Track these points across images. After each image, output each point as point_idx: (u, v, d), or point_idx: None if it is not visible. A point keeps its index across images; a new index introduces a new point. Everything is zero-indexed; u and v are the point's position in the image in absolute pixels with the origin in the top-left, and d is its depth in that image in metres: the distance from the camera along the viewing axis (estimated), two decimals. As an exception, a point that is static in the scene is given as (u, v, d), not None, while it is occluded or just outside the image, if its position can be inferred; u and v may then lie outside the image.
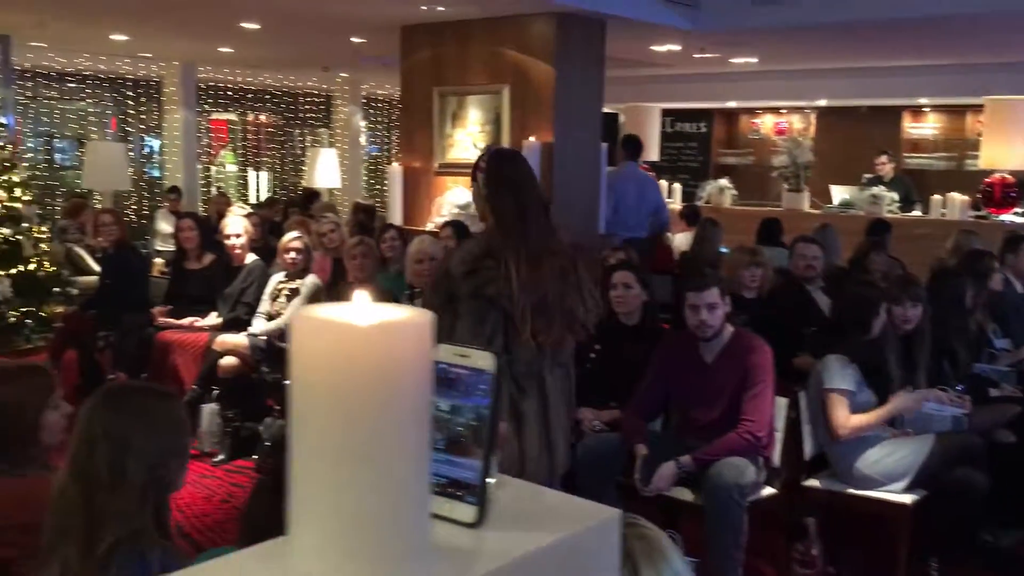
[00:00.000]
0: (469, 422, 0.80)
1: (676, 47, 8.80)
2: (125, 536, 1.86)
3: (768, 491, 3.86)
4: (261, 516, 1.56)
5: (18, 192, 7.78)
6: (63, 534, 1.89)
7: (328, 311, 0.68)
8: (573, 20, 6.84)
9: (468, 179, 7.29)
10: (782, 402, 3.98)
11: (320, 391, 0.66)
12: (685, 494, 3.72)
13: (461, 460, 0.80)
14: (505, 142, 7.04)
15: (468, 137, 7.31)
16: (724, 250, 7.10)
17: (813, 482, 4.02)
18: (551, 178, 6.86)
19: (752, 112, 14.25)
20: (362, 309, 0.68)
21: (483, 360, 0.80)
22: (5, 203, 7.65)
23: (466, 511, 0.79)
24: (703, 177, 12.74)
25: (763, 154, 13.89)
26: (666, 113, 13.47)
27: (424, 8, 6.81)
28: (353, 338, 0.66)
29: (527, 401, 2.96)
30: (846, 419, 3.85)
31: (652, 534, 1.24)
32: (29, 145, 11.91)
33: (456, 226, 6.08)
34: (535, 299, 2.86)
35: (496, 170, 3.03)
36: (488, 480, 0.79)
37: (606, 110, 7.61)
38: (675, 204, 10.84)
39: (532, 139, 6.82)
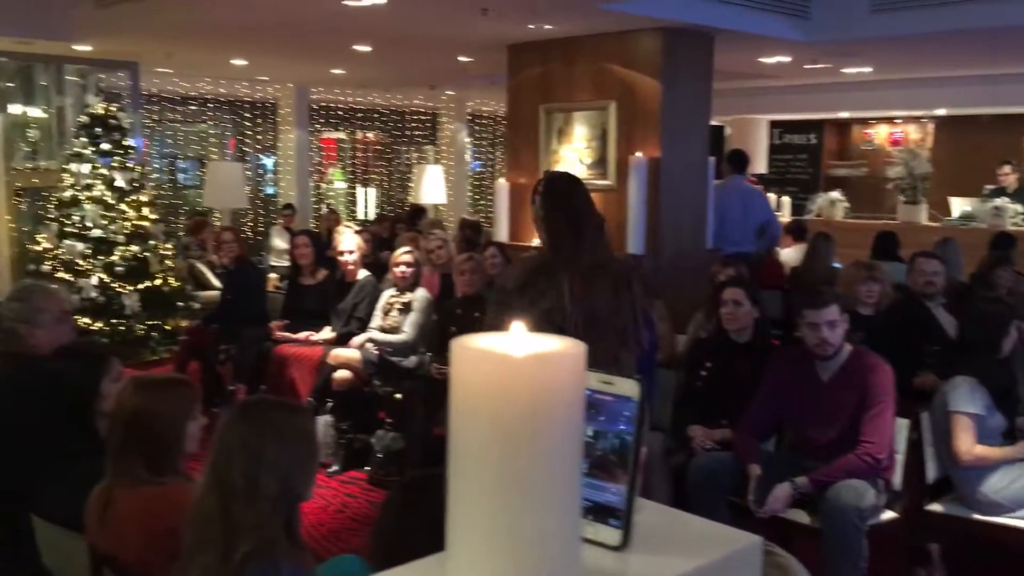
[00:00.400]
0: (613, 447, 0.82)
1: (786, 58, 8.65)
2: (259, 545, 1.94)
3: (889, 515, 3.74)
4: (392, 532, 1.62)
5: (145, 211, 8.22)
6: (202, 542, 1.99)
7: (485, 341, 0.71)
8: (680, 34, 6.80)
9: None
10: (903, 423, 3.85)
11: (478, 418, 0.70)
12: (801, 516, 3.64)
13: (605, 484, 0.82)
14: (611, 158, 7.05)
15: (574, 153, 7.34)
16: (837, 265, 6.92)
17: (937, 507, 3.88)
18: (657, 193, 6.83)
19: (865, 122, 13.85)
20: (518, 339, 0.71)
21: (627, 387, 0.82)
22: (134, 222, 8.08)
23: (611, 534, 0.81)
24: (813, 190, 12.44)
25: (877, 165, 13.49)
26: (774, 125, 13.24)
27: (531, 27, 6.89)
28: (509, 368, 0.69)
29: None
30: (971, 446, 3.70)
31: (788, 563, 1.23)
32: (155, 166, 12.52)
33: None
34: (586, 314, 2.94)
35: (551, 193, 3.14)
36: (633, 504, 0.81)
37: (712, 123, 7.53)
38: (784, 217, 10.63)
39: (639, 154, 6.80)
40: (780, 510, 3.57)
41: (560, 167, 7.44)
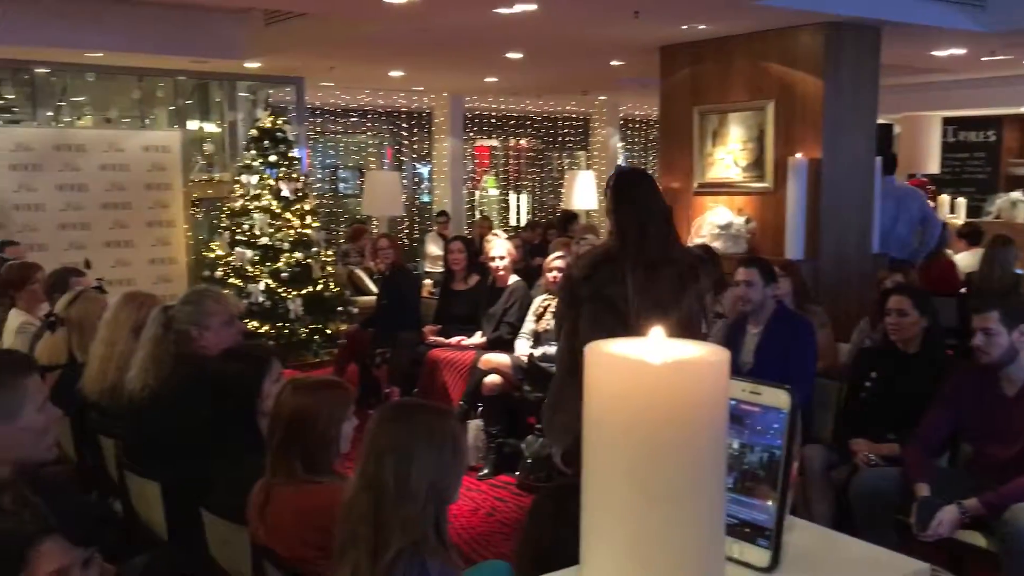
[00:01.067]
0: (761, 461, 0.76)
1: (961, 51, 8.13)
2: (409, 544, 1.97)
3: (1078, 543, 3.41)
4: (540, 540, 1.60)
5: (308, 220, 8.59)
6: (354, 540, 2.03)
7: (621, 347, 0.68)
8: (845, 29, 6.50)
9: (729, 198, 7.17)
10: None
11: (614, 427, 0.66)
12: (976, 538, 3.39)
13: (752, 501, 0.76)
14: (769, 159, 6.82)
15: (729, 155, 7.15)
16: (1021, 272, 6.44)
17: None
18: (818, 196, 6.55)
19: (1050, 116, 12.84)
20: (656, 345, 0.67)
21: (776, 397, 0.77)
22: (298, 230, 8.46)
23: (759, 555, 0.75)
24: (991, 190, 11.64)
25: (1064, 163, 12.47)
26: (947, 122, 12.45)
27: (684, 28, 6.77)
28: (647, 375, 0.65)
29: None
30: None
31: None
32: (317, 176, 13.08)
33: (701, 249, 5.95)
34: (650, 302, 3.00)
35: (619, 188, 3.23)
36: (783, 524, 0.75)
37: (879, 121, 7.15)
38: (958, 220, 9.98)
39: (798, 155, 6.55)
40: (945, 534, 3.33)
41: (714, 169, 7.27)
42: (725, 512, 0.69)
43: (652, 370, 0.65)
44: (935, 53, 8.29)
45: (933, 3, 6.58)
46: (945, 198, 10.86)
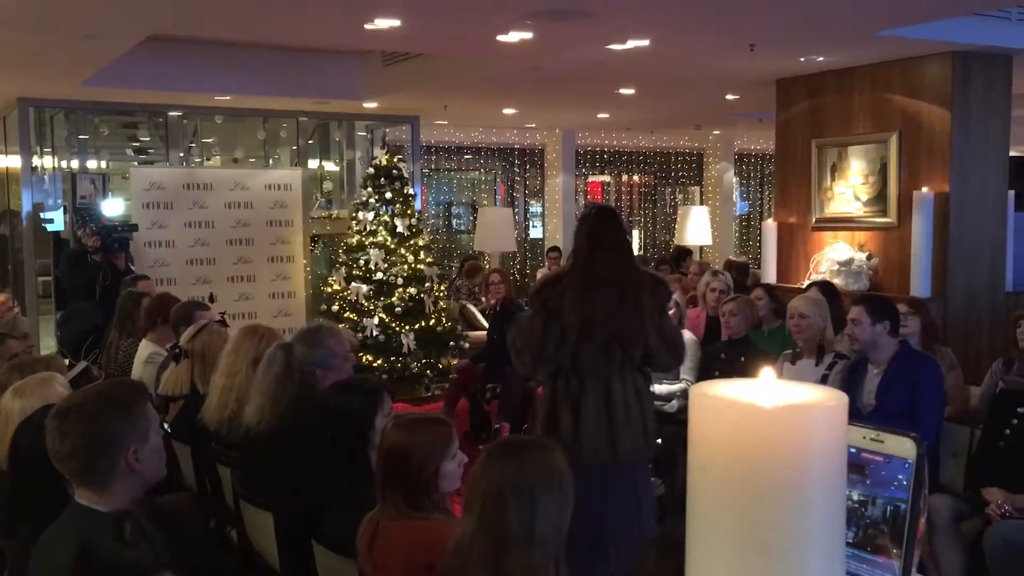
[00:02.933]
0: (884, 515, 0.71)
1: (1101, 78, 7.68)
2: None
3: None
4: None
5: (422, 255, 8.74)
6: None
7: (730, 389, 0.64)
8: (973, 59, 6.24)
9: (850, 234, 6.94)
10: None
11: (722, 473, 0.62)
12: None
13: (875, 559, 0.71)
14: (892, 193, 6.57)
15: (849, 189, 6.92)
16: None
17: None
18: (946, 231, 6.26)
19: None
20: (767, 387, 0.63)
21: (901, 446, 0.71)
22: (412, 265, 8.61)
23: (882, 618, 0.69)
24: None
25: None
26: (1087, 153, 11.76)
27: (802, 60, 6.62)
28: (758, 419, 0.61)
29: (586, 396, 3.49)
30: None
31: None
32: (431, 213, 13.32)
33: (822, 286, 5.74)
34: (583, 316, 3.43)
35: (581, 221, 3.67)
36: (909, 586, 0.69)
37: (1013, 154, 6.81)
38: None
39: (924, 189, 6.29)
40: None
41: (834, 204, 7.05)
42: (844, 569, 0.64)
43: (763, 414, 0.61)
44: (1073, 81, 7.86)
45: (1070, 29, 6.25)
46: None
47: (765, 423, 0.61)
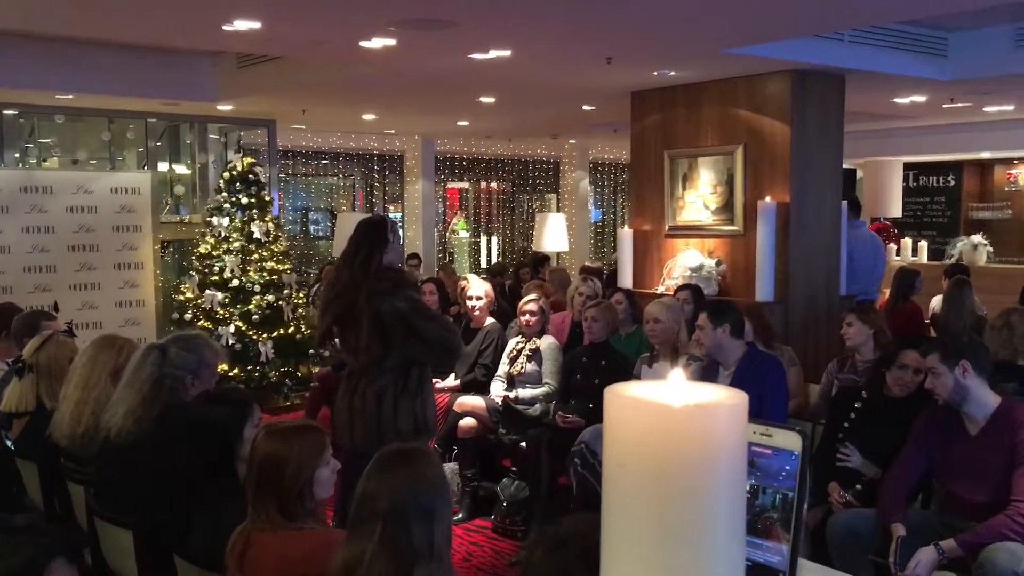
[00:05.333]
0: (774, 503, 0.78)
1: (921, 98, 8.35)
2: None
3: (1052, 582, 3.45)
4: None
5: (280, 261, 8.55)
6: None
7: (641, 390, 0.69)
8: (810, 77, 6.66)
9: (700, 240, 7.26)
10: (1065, 482, 3.56)
11: (636, 469, 0.67)
12: (953, 580, 3.41)
13: (766, 543, 0.77)
14: (738, 202, 6.92)
15: (699, 199, 7.25)
16: (982, 312, 6.56)
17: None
18: (787, 239, 6.65)
19: (1008, 162, 13.19)
20: (676, 388, 0.69)
21: (788, 440, 0.78)
22: (269, 272, 8.42)
23: (773, 597, 0.76)
24: (952, 233, 11.90)
25: (1022, 207, 12.80)
26: (909, 166, 12.77)
27: (655, 74, 6.89)
28: (668, 418, 0.66)
29: (341, 388, 4.12)
30: None
31: None
32: (288, 218, 13.05)
33: (694, 290, 6.01)
34: (330, 314, 4.04)
35: (356, 225, 4.13)
36: (797, 566, 0.76)
37: (844, 165, 7.30)
38: (921, 261, 10.18)
39: (767, 199, 6.66)
40: (923, 575, 3.35)
41: (685, 212, 7.36)
42: (744, 553, 0.70)
43: (673, 413, 0.67)
44: (897, 100, 8.51)
45: (895, 52, 6.77)
46: (907, 241, 11.07)
47: (675, 421, 0.66)
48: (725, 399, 0.68)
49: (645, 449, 0.67)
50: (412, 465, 2.14)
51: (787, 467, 0.78)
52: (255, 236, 8.40)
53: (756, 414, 3.32)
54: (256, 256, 8.40)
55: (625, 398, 0.69)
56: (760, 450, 0.79)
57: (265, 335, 8.22)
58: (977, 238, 10.34)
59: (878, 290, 7.79)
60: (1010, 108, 9.26)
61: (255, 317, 8.20)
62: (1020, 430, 3.45)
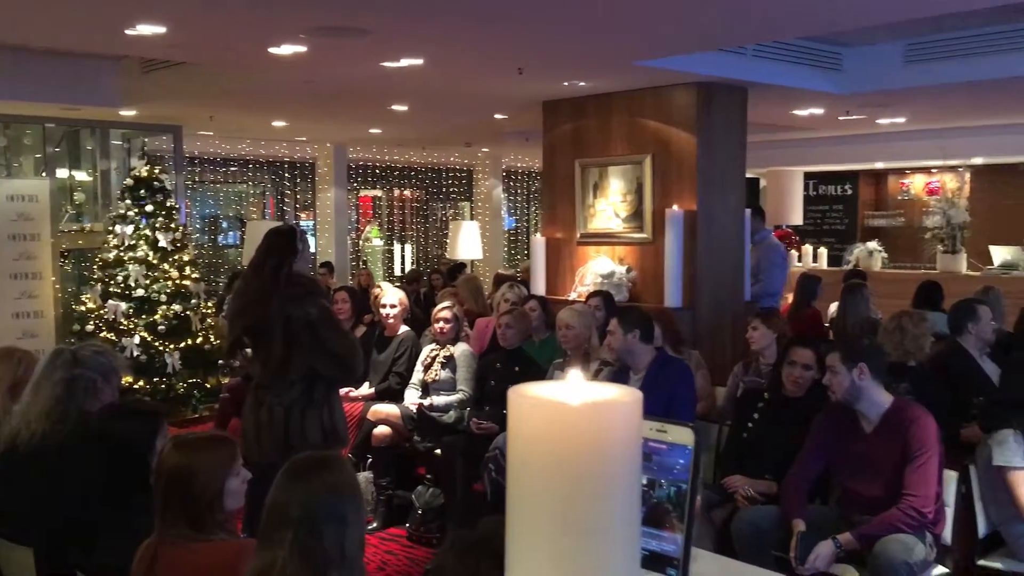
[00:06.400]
0: (669, 496, 0.82)
1: (819, 110, 8.68)
2: None
3: (940, 570, 3.64)
4: None
5: (187, 271, 8.37)
6: None
7: (541, 389, 0.73)
8: (715, 89, 6.87)
9: (611, 248, 7.38)
10: (951, 475, 3.77)
11: (537, 465, 0.71)
12: (850, 572, 3.56)
13: (662, 533, 0.82)
14: (647, 211, 7.08)
15: (610, 207, 7.38)
16: (877, 316, 6.85)
17: (989, 561, 3.77)
18: (695, 246, 6.83)
19: (901, 172, 13.79)
20: (575, 388, 0.73)
21: (681, 435, 0.83)
22: (176, 281, 8.23)
23: (668, 584, 0.81)
24: (850, 240, 12.38)
25: (914, 215, 13.40)
26: (809, 176, 13.23)
27: (566, 84, 7.00)
28: (567, 415, 0.70)
29: (247, 401, 4.09)
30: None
31: None
32: (196, 226, 12.77)
33: (605, 296, 6.12)
34: (239, 329, 4.07)
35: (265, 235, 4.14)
36: (690, 554, 0.81)
37: (747, 175, 7.54)
38: (821, 267, 10.56)
39: (675, 207, 6.83)
40: (823, 567, 3.50)
41: (596, 220, 7.49)
42: (640, 544, 0.75)
43: (572, 410, 0.71)
44: (797, 112, 8.83)
45: (794, 66, 7.03)
46: (808, 248, 11.47)
47: (573, 418, 0.70)
48: (620, 397, 0.72)
49: (546, 445, 0.71)
50: (323, 472, 2.15)
51: (681, 461, 0.83)
52: (160, 245, 8.20)
53: (665, 416, 3.40)
54: (162, 265, 8.20)
55: (527, 397, 0.72)
56: (656, 446, 0.84)
57: (172, 346, 8.02)
58: (872, 245, 10.78)
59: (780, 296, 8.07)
60: (902, 120, 9.70)
61: (161, 328, 8.00)
62: (911, 428, 3.62)
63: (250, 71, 6.68)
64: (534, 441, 0.71)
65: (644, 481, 0.82)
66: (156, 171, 8.44)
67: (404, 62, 6.00)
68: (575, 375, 0.75)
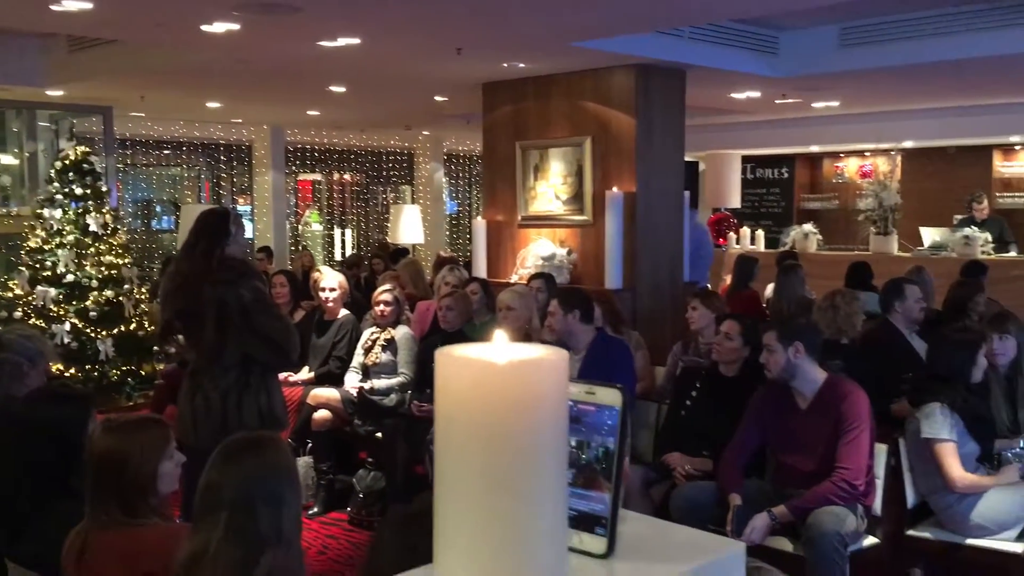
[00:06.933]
0: (597, 457, 0.83)
1: (756, 94, 8.80)
2: None
3: (870, 541, 3.75)
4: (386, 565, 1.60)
5: (120, 255, 8.16)
6: None
7: (468, 350, 0.72)
8: (653, 71, 6.91)
9: (552, 230, 7.40)
10: (882, 449, 3.87)
11: (465, 424, 0.70)
12: (784, 543, 3.64)
13: (590, 493, 0.82)
14: (588, 193, 7.11)
15: (550, 189, 7.40)
16: (811, 295, 6.98)
17: (917, 531, 3.89)
18: (634, 227, 6.88)
19: (836, 156, 14.06)
20: (501, 348, 0.72)
21: (609, 396, 0.83)
22: (108, 266, 8.02)
23: (596, 543, 0.81)
24: (786, 223, 12.58)
25: (848, 198, 13.68)
26: (746, 159, 13.41)
27: (505, 66, 6.98)
28: (493, 374, 0.69)
29: (183, 387, 3.97)
30: (963, 474, 3.72)
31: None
32: (129, 210, 12.47)
33: (546, 278, 6.13)
34: (170, 313, 3.95)
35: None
36: (617, 513, 0.81)
37: (686, 158, 7.62)
38: (759, 249, 10.74)
39: (615, 189, 6.87)
40: (758, 540, 3.57)
41: (537, 203, 7.50)
42: (567, 503, 0.75)
43: (498, 369, 0.70)
44: (734, 95, 8.93)
45: (731, 49, 7.11)
46: (746, 230, 11.64)
47: (500, 377, 0.70)
48: (547, 355, 0.72)
49: (472, 404, 0.70)
50: (257, 452, 2.12)
51: (609, 422, 0.83)
52: (91, 229, 7.98)
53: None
54: (93, 250, 7.99)
55: (453, 357, 0.72)
56: (585, 408, 0.84)
57: (104, 332, 7.83)
58: (808, 227, 10.97)
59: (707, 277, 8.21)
60: (836, 104, 9.89)
61: (93, 314, 7.80)
62: (844, 403, 3.71)
63: (182, 49, 6.53)
64: (460, 400, 0.71)
65: (574, 443, 0.82)
66: (86, 153, 8.21)
67: (341, 41, 5.92)
68: (500, 335, 0.74)
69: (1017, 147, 12.33)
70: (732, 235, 11.56)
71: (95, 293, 7.87)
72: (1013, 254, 9.38)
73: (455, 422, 0.71)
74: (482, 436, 0.70)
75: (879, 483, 3.82)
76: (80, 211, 7.99)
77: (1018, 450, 3.87)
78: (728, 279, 8.44)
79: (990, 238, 9.32)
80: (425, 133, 13.38)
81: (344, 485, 5.45)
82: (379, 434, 5.39)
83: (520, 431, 0.70)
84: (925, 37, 6.76)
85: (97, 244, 8.02)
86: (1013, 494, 3.75)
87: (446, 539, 0.72)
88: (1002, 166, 12.52)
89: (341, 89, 8.34)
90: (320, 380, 5.87)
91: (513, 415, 0.70)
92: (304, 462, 5.46)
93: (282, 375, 6.02)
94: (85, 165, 8.08)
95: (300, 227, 14.56)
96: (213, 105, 9.75)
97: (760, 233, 11.57)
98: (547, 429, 0.71)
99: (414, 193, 14.69)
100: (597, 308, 4.80)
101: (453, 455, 0.71)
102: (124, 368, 7.95)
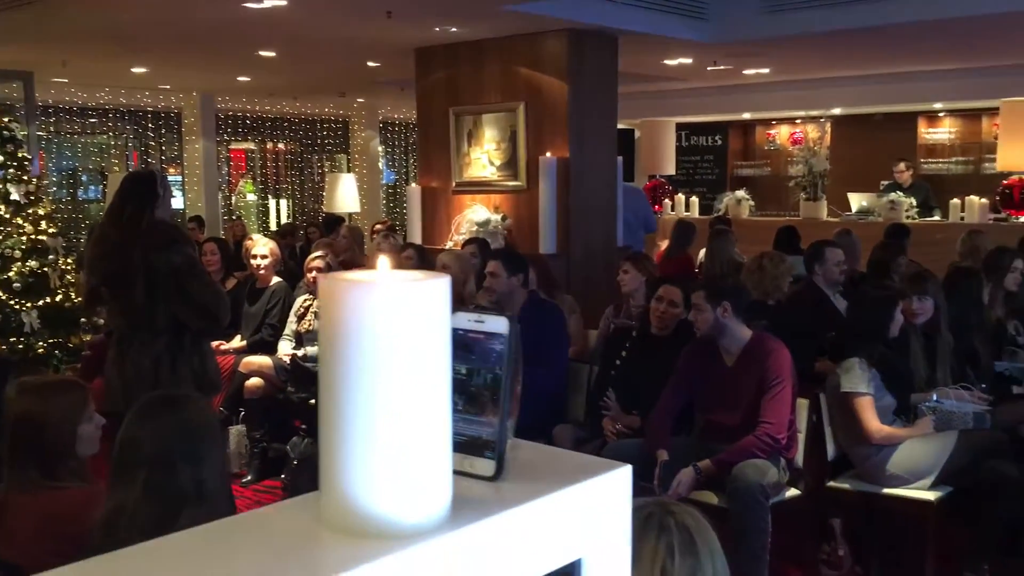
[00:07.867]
0: (486, 383, 0.84)
1: (688, 60, 8.87)
2: None
3: (792, 492, 3.87)
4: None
5: (43, 225, 7.95)
6: None
7: (352, 275, 0.73)
8: (585, 36, 6.92)
9: (486, 196, 7.40)
10: (804, 403, 3.99)
11: (344, 350, 0.71)
12: (709, 497, 3.74)
13: (479, 418, 0.84)
14: (521, 159, 7.12)
15: (484, 155, 7.39)
16: (741, 259, 7.12)
17: (838, 483, 4.02)
18: (568, 193, 6.91)
19: (767, 123, 14.28)
20: (383, 273, 0.73)
21: (498, 324, 0.85)
22: (31, 236, 7.81)
23: (485, 465, 0.83)
24: (720, 189, 12.77)
25: (779, 164, 13.93)
26: (681, 127, 13.54)
27: (437, 30, 6.92)
28: (375, 296, 0.71)
29: (111, 354, 3.96)
30: (880, 426, 3.85)
31: (695, 519, 1.28)
32: (53, 180, 12.12)
33: (480, 243, 6.14)
34: (96, 279, 3.93)
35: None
36: (505, 437, 0.83)
37: (621, 126, 7.67)
38: (693, 216, 10.89)
39: (548, 155, 6.89)
40: (684, 493, 3.66)
41: (471, 169, 7.48)
42: (452, 425, 0.76)
43: (379, 290, 0.71)
44: (667, 62, 9.00)
45: (662, 15, 7.15)
46: (681, 197, 11.79)
47: (382, 299, 0.71)
48: (429, 280, 0.73)
49: (354, 327, 0.71)
50: (174, 409, 2.10)
51: (498, 348, 0.85)
52: (13, 198, 7.75)
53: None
54: (15, 220, 7.76)
55: (336, 280, 0.73)
56: (475, 336, 0.86)
57: (29, 304, 7.64)
58: (741, 193, 11.16)
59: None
60: (766, 71, 10.02)
61: (16, 285, 7.59)
62: (768, 359, 3.81)
63: (102, 10, 6.34)
64: (342, 323, 0.72)
65: (464, 371, 0.84)
66: (6, 120, 7.94)
67: (267, 3, 5.81)
68: (383, 261, 0.76)
69: (941, 114, 12.66)
70: (667, 202, 11.69)
71: (18, 264, 7.67)
72: (936, 218, 9.67)
73: (337, 348, 0.72)
74: (364, 360, 0.71)
75: (801, 437, 3.94)
76: (1, 180, 7.75)
77: (932, 403, 4.02)
78: (663, 244, 8.55)
79: (915, 203, 9.59)
80: (360, 100, 13.22)
81: (278, 453, 5.43)
82: (313, 401, 5.37)
83: (401, 353, 0.71)
84: (848, 3, 6.88)
85: (19, 214, 7.80)
86: (927, 445, 3.89)
87: (330, 464, 0.73)
88: (926, 132, 12.86)
89: (271, 54, 8.20)
90: (252, 348, 5.82)
91: (394, 337, 0.71)
92: (237, 430, 5.43)
93: (214, 343, 5.97)
94: (5, 132, 7.82)
95: (234, 197, 14.31)
96: (139, 70, 9.50)
97: (695, 200, 11.72)
98: (428, 350, 0.72)
99: (350, 162, 14.53)
100: (532, 272, 4.84)
101: (336, 381, 0.72)
102: (51, 340, 7.77)
